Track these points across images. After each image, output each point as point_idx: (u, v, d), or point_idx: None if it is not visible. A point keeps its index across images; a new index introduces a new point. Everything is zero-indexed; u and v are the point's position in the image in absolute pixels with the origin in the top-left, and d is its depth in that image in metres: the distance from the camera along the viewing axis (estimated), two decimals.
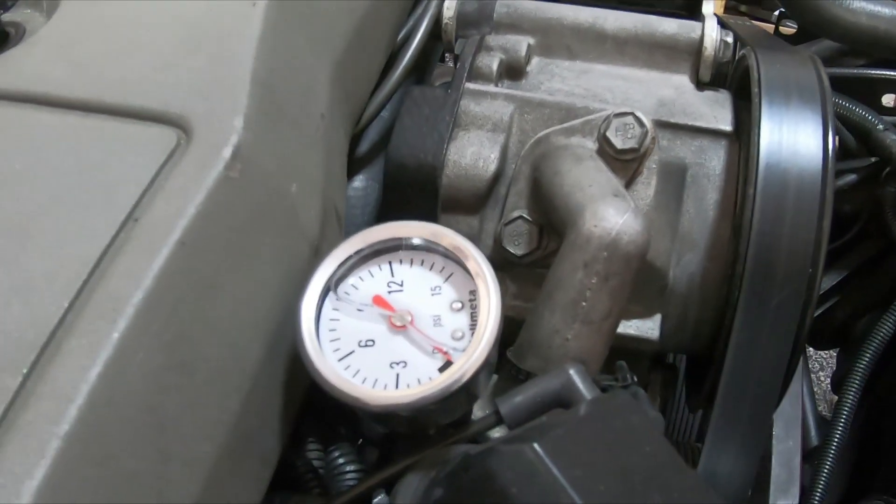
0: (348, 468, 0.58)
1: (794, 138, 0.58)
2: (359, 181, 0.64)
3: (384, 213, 0.61)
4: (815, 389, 1.28)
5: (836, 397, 0.81)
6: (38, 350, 0.39)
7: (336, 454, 0.58)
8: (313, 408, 0.57)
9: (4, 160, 0.47)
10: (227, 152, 0.45)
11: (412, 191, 0.58)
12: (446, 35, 0.65)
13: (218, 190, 0.44)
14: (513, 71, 0.63)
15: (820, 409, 1.10)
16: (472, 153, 0.59)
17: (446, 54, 0.74)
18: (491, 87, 0.61)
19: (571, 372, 0.47)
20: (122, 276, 0.40)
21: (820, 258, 0.56)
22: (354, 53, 0.60)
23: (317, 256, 0.49)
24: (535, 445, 0.38)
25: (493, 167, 0.58)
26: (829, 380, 1.46)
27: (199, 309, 0.42)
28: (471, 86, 0.61)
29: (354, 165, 0.64)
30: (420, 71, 0.70)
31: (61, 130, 0.48)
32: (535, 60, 0.65)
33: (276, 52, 0.51)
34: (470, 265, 0.44)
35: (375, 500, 0.53)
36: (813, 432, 1.01)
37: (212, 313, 0.43)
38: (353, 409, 0.44)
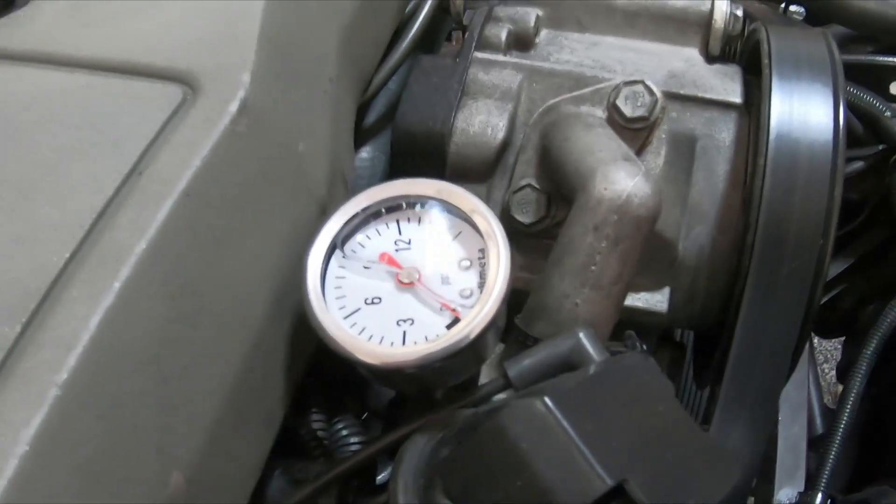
0: (352, 439, 0.57)
1: (804, 109, 0.58)
2: (366, 152, 0.63)
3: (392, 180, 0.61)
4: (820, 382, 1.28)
5: (840, 389, 0.80)
6: (39, 299, 0.38)
7: (340, 425, 0.57)
8: (318, 378, 0.56)
9: (9, 116, 0.46)
10: (233, 107, 0.44)
11: (420, 158, 0.58)
12: (455, 6, 0.65)
13: (224, 144, 0.43)
14: (521, 42, 0.63)
15: (825, 400, 1.09)
16: (481, 121, 0.58)
17: (453, 34, 0.74)
18: (500, 57, 0.61)
19: (581, 335, 0.46)
20: (127, 227, 0.40)
21: (831, 228, 0.56)
22: (363, 20, 0.59)
23: (323, 217, 0.48)
24: (546, 399, 0.37)
25: (501, 135, 0.58)
26: (832, 372, 1.46)
27: (205, 262, 0.42)
28: (479, 55, 0.61)
29: (361, 136, 0.63)
30: (427, 48, 0.69)
31: (67, 88, 0.48)
32: (544, 32, 0.64)
33: (284, 10, 0.51)
34: (479, 222, 0.43)
35: (380, 476, 0.53)
36: (818, 421, 1.00)
37: (217, 267, 0.42)
38: (359, 368, 0.44)
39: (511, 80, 0.60)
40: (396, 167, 0.59)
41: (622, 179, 0.50)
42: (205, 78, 0.46)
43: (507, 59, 0.61)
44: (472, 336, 0.41)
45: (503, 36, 0.62)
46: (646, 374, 0.44)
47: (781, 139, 0.56)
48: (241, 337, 0.43)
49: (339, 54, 0.56)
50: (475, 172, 0.58)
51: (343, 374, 0.59)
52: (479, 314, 0.41)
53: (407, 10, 0.66)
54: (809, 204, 0.56)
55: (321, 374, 0.55)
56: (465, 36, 0.62)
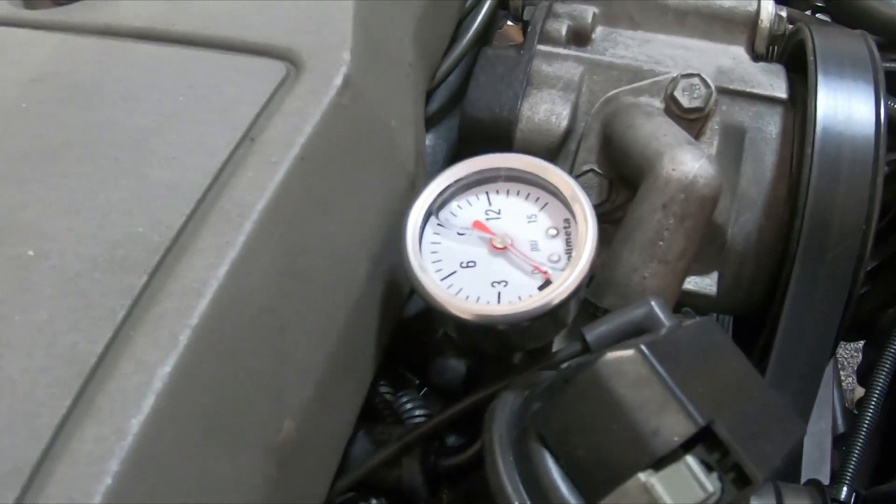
0: (416, 412, 0.60)
1: (847, 104, 0.61)
2: (428, 139, 0.66)
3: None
4: None
5: (857, 394, 0.83)
6: (163, 252, 0.41)
7: (404, 399, 0.60)
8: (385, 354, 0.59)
9: (111, 85, 0.49)
10: (338, 80, 0.47)
11: (486, 143, 0.61)
12: (514, 2, 0.69)
13: (331, 114, 0.46)
14: (579, 37, 0.67)
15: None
16: (546, 109, 0.62)
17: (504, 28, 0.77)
18: (561, 50, 0.65)
19: (653, 303, 0.49)
20: (246, 186, 0.43)
21: (873, 215, 0.59)
22: (432, 12, 0.63)
23: (412, 191, 0.51)
24: (643, 347, 0.40)
25: (564, 123, 0.61)
26: (847, 379, 1.49)
27: (315, 222, 0.45)
28: (542, 48, 0.64)
29: (424, 124, 0.66)
30: (482, 42, 0.73)
31: (168, 60, 0.50)
32: (599, 29, 0.68)
33: None
34: (567, 193, 0.46)
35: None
36: (840, 421, 1.03)
37: (325, 228, 0.45)
38: (450, 326, 0.46)
39: (573, 71, 0.63)
40: (463, 152, 0.62)
41: (689, 161, 0.53)
42: (307, 55, 0.49)
43: (569, 51, 0.64)
44: (564, 296, 0.44)
45: (563, 31, 0.65)
46: (718, 334, 0.47)
47: (827, 131, 0.60)
48: (343, 296, 0.46)
49: (413, 42, 0.59)
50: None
51: (407, 352, 0.61)
52: (571, 276, 0.45)
53: (467, 4, 0.70)
54: (853, 192, 0.59)
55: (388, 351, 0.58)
56: (528, 30, 0.65)
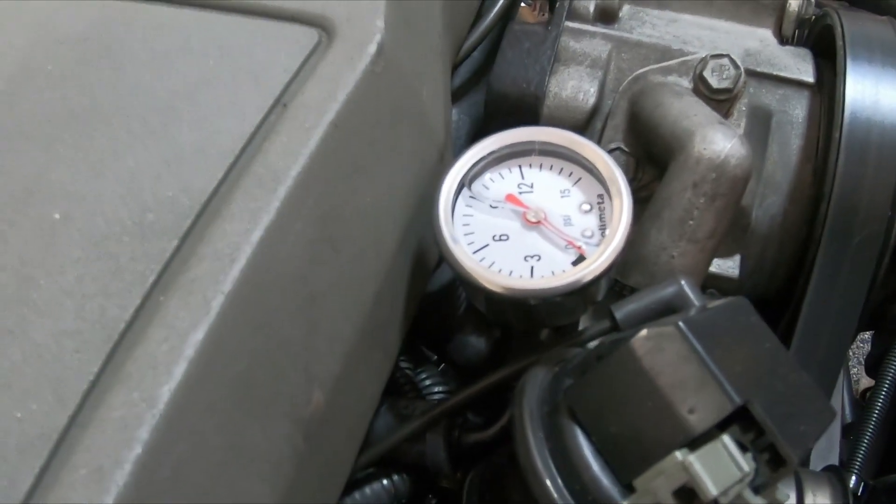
0: (435, 388, 0.59)
1: (875, 89, 0.61)
2: (452, 114, 0.65)
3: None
4: None
5: (864, 386, 0.83)
6: (194, 217, 0.40)
7: (423, 375, 0.60)
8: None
9: (146, 47, 0.48)
10: (371, 48, 0.46)
11: (513, 119, 0.60)
12: None
13: (364, 81, 0.45)
14: (606, 15, 0.66)
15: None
16: (573, 86, 0.61)
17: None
18: (589, 27, 0.64)
19: (683, 282, 0.48)
20: (280, 152, 0.42)
21: None
22: None
23: (441, 163, 0.51)
24: (680, 324, 0.39)
25: (592, 100, 0.61)
26: (854, 369, 1.49)
27: (348, 190, 0.44)
28: (570, 24, 0.63)
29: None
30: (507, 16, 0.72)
31: (199, 25, 0.49)
32: (626, 7, 0.67)
33: None
34: (602, 168, 0.46)
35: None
36: (847, 410, 1.03)
37: (358, 196, 0.44)
38: (479, 300, 0.46)
39: (601, 49, 0.62)
40: (489, 127, 0.62)
41: (720, 140, 0.52)
42: (340, 21, 0.48)
43: (597, 28, 0.64)
44: (598, 272, 0.44)
45: (591, 8, 0.64)
46: (750, 314, 0.46)
47: (855, 115, 0.60)
48: (374, 267, 0.45)
49: (442, 14, 0.58)
50: None
51: (427, 327, 0.61)
52: (605, 252, 0.44)
53: None
54: (880, 177, 0.59)
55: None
56: (556, 6, 0.64)
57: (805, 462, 0.86)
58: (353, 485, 0.50)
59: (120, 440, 0.33)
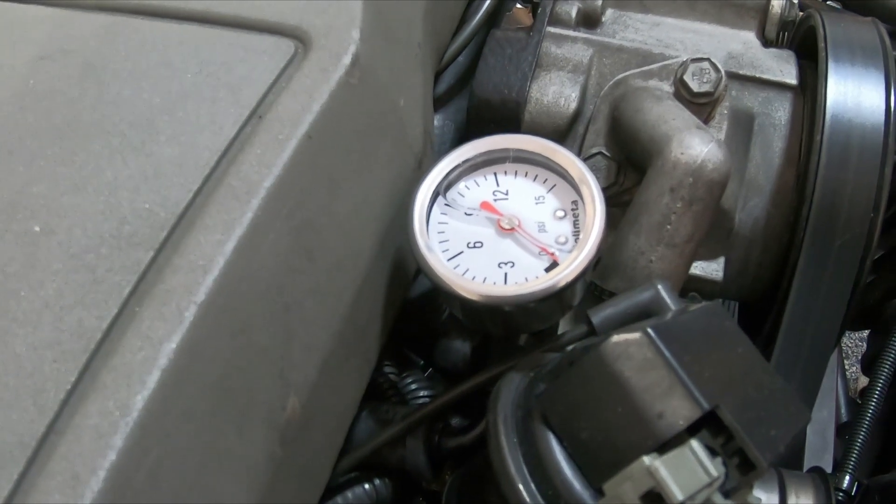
0: (421, 393, 0.60)
1: (857, 91, 0.61)
2: (436, 120, 0.66)
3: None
4: None
5: (860, 382, 0.83)
6: (169, 228, 0.41)
7: (409, 380, 0.60)
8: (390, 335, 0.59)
9: (125, 62, 0.49)
10: (346, 59, 0.47)
11: (495, 125, 0.61)
12: None
13: (339, 93, 0.46)
14: (589, 19, 0.66)
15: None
16: (554, 91, 0.61)
17: (513, 9, 0.77)
18: (571, 32, 0.64)
19: (660, 286, 0.49)
20: (254, 163, 0.43)
21: (881, 202, 0.59)
22: None
23: (420, 171, 0.51)
24: (649, 330, 0.40)
25: (573, 105, 0.61)
26: (852, 368, 1.48)
27: (322, 200, 0.45)
28: (552, 30, 0.64)
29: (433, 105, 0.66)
30: (491, 22, 0.72)
31: (179, 38, 0.50)
32: (609, 11, 0.68)
33: None
34: (575, 174, 0.46)
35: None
36: (843, 409, 1.03)
37: (332, 206, 0.45)
38: (456, 307, 0.46)
39: (582, 54, 0.63)
40: (472, 133, 0.62)
41: (697, 145, 0.53)
42: (316, 34, 0.48)
43: (579, 34, 0.64)
44: (571, 278, 0.44)
45: (573, 13, 0.65)
46: (724, 319, 0.47)
47: (836, 118, 0.60)
48: (351, 275, 0.46)
49: (423, 23, 0.59)
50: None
51: (412, 333, 0.61)
52: (578, 258, 0.44)
53: None
54: (861, 179, 0.59)
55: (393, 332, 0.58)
56: (538, 11, 0.65)
57: (798, 463, 0.87)
58: (335, 489, 0.50)
59: (95, 448, 0.34)
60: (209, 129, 0.45)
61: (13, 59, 0.50)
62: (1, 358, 0.37)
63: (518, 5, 0.83)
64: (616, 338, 0.41)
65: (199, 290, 0.38)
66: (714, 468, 0.39)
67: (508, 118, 0.61)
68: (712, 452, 0.40)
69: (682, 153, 0.52)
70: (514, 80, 0.61)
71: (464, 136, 0.65)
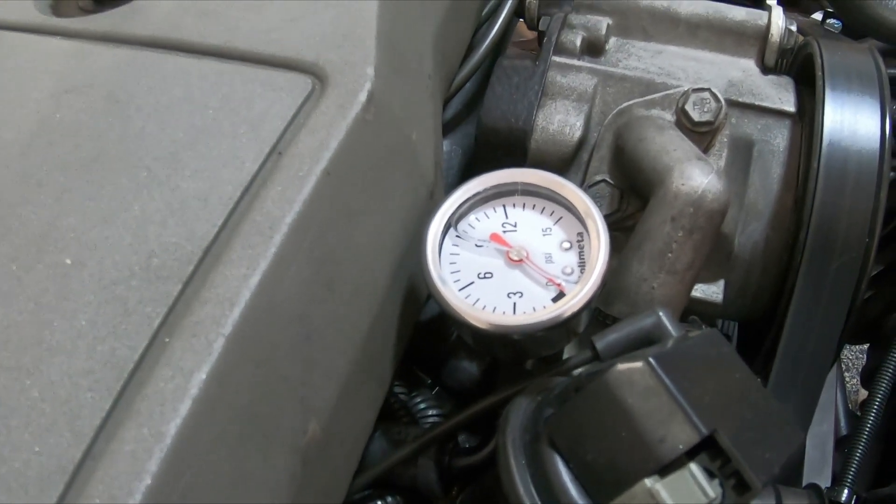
0: (430, 412, 0.62)
1: (854, 119, 0.63)
2: (444, 145, 0.68)
3: (476, 172, 0.66)
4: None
5: (861, 395, 0.84)
6: (196, 262, 0.43)
7: (418, 399, 0.62)
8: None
9: (149, 96, 0.51)
10: (362, 96, 0.49)
11: (502, 152, 0.63)
12: (529, 12, 0.70)
13: (356, 129, 0.48)
14: (593, 48, 0.68)
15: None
16: (559, 120, 0.63)
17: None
18: (575, 61, 0.66)
19: (661, 313, 0.51)
20: (275, 199, 0.45)
21: (877, 228, 0.61)
22: (451, 22, 0.64)
23: (431, 200, 0.53)
24: (651, 360, 0.42)
25: (578, 133, 0.63)
26: (852, 381, 1.50)
27: (342, 233, 0.47)
28: (557, 59, 0.66)
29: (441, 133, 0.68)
30: (499, 49, 0.74)
31: (198, 73, 0.52)
32: (612, 40, 0.70)
33: (393, 10, 0.55)
34: (581, 208, 0.48)
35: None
36: (843, 423, 1.04)
37: (351, 239, 0.47)
38: (467, 334, 0.48)
39: (586, 83, 0.65)
40: (479, 159, 0.64)
41: (697, 176, 0.55)
42: (332, 69, 0.50)
43: (583, 63, 0.66)
44: (577, 308, 0.46)
45: (578, 42, 0.67)
46: (722, 346, 0.49)
47: (833, 145, 0.62)
48: (367, 304, 0.48)
49: (433, 53, 0.61)
50: (552, 167, 0.64)
51: (420, 352, 0.64)
52: (583, 289, 0.47)
53: (483, 13, 0.71)
54: (858, 205, 0.61)
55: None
56: (543, 41, 0.67)
57: (797, 480, 0.88)
58: None
59: (131, 472, 0.36)
60: (231, 164, 0.47)
61: (38, 92, 0.52)
62: (37, 386, 0.39)
63: (522, 20, 0.86)
64: (620, 366, 0.43)
65: (227, 323, 0.40)
66: (711, 489, 0.41)
67: (515, 146, 0.63)
68: (710, 474, 0.42)
69: (682, 184, 0.55)
70: (520, 108, 0.63)
71: (471, 161, 0.67)
